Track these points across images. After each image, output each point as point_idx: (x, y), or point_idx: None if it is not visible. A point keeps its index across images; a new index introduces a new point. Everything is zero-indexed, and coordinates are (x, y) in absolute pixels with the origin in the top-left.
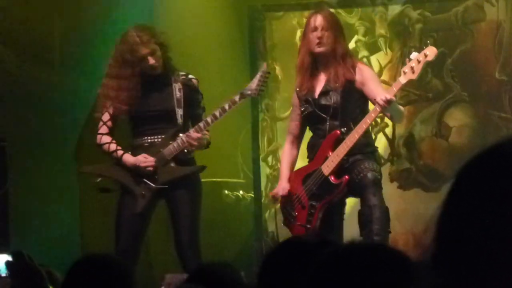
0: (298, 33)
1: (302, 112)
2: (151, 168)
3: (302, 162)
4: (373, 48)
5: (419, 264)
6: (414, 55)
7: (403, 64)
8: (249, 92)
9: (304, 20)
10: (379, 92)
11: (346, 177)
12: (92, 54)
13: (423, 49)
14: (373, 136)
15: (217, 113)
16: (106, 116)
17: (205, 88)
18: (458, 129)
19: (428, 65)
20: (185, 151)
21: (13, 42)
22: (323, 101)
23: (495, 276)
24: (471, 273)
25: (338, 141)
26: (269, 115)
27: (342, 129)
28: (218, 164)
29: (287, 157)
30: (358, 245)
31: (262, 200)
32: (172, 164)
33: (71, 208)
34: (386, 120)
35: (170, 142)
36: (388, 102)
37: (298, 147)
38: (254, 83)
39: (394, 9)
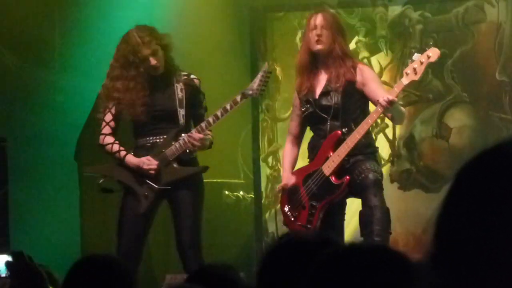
0: (299, 34)
1: (303, 112)
2: (153, 172)
3: (302, 162)
4: (373, 49)
5: (419, 264)
6: (416, 56)
7: (404, 65)
8: (250, 92)
9: (305, 21)
10: (380, 92)
11: (347, 177)
12: (92, 54)
13: (424, 50)
14: (374, 137)
15: (218, 113)
16: (108, 117)
17: (205, 89)
18: (459, 130)
19: (429, 66)
20: (187, 151)
21: (13, 42)
22: (324, 102)
23: (495, 276)
24: (470, 273)
25: (339, 141)
26: (270, 116)
27: (343, 130)
28: (219, 165)
29: (288, 156)
30: (358, 245)
31: (262, 201)
32: (175, 165)
33: (71, 208)
34: (387, 120)
35: (173, 142)
36: (390, 103)
37: (298, 147)
38: (255, 83)
39: (395, 10)
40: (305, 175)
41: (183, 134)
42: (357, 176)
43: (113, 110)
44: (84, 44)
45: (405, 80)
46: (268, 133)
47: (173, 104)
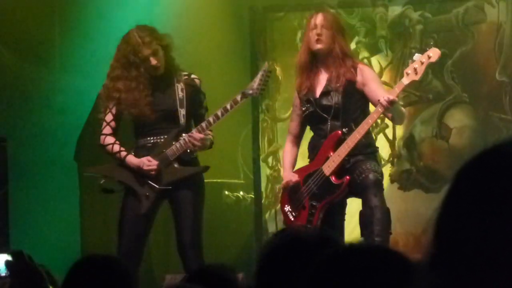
0: (299, 34)
1: (303, 112)
2: (154, 172)
3: (302, 162)
4: (373, 49)
5: (419, 265)
6: (417, 56)
7: (404, 65)
8: (250, 92)
9: (305, 21)
10: (381, 92)
11: (348, 177)
12: (92, 54)
13: (424, 50)
14: (374, 137)
15: (219, 113)
16: (109, 117)
17: (206, 89)
18: (459, 130)
19: (429, 66)
20: (188, 151)
21: (13, 42)
22: (324, 101)
23: (494, 276)
24: (470, 273)
25: (340, 141)
26: (270, 116)
27: (343, 130)
28: (219, 165)
29: (289, 155)
30: (358, 246)
31: (262, 201)
32: (176, 165)
33: (71, 208)
34: (387, 121)
35: (173, 142)
36: (391, 103)
37: (298, 147)
38: (255, 82)
39: (395, 10)
40: (305, 175)
41: (183, 134)
42: (358, 176)
43: (113, 110)
44: (84, 44)
45: (405, 80)
46: (268, 133)
47: (174, 104)
